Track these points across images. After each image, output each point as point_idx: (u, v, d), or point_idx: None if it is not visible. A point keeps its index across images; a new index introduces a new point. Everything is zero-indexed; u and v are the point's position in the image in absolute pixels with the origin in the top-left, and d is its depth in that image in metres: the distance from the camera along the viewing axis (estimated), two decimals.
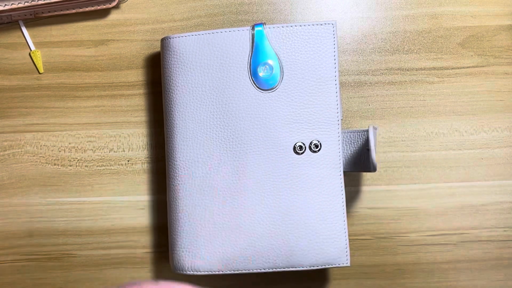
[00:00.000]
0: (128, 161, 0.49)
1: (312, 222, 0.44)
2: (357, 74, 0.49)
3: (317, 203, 0.44)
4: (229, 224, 0.44)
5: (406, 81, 0.49)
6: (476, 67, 0.49)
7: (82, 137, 0.49)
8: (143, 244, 0.49)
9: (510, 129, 0.49)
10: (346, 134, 0.45)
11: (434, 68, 0.49)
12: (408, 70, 0.49)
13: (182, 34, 0.45)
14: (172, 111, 0.45)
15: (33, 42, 0.50)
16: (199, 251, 0.44)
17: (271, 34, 0.44)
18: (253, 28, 0.44)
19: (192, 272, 0.44)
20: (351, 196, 0.49)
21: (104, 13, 0.50)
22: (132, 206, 0.49)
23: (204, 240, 0.44)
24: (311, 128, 0.44)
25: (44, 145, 0.49)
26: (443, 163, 0.49)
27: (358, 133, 0.45)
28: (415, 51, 0.49)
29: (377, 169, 0.48)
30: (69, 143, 0.49)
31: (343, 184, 0.44)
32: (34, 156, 0.49)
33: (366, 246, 0.49)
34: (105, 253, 0.49)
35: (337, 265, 0.44)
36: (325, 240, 0.43)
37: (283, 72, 0.44)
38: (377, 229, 0.49)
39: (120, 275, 0.49)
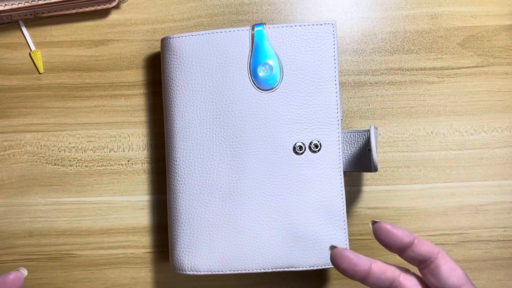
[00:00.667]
0: (128, 161, 0.49)
1: (312, 222, 0.44)
2: (357, 74, 0.49)
3: (317, 203, 0.44)
4: (229, 224, 0.44)
5: (406, 81, 0.49)
6: (476, 67, 0.49)
7: (82, 137, 0.49)
8: (143, 244, 0.49)
9: (510, 129, 0.49)
10: (346, 134, 0.45)
11: (434, 68, 0.49)
12: (408, 70, 0.49)
13: (182, 34, 0.45)
14: (172, 111, 0.45)
15: (33, 42, 0.50)
16: (199, 251, 0.44)
17: (271, 34, 0.44)
18: (253, 28, 0.44)
19: (192, 272, 0.44)
20: (351, 196, 0.49)
21: (104, 13, 0.50)
22: (132, 206, 0.49)
23: (204, 240, 0.44)
24: (311, 128, 0.44)
25: (44, 145, 0.49)
26: (443, 163, 0.49)
27: (359, 133, 0.45)
28: (415, 51, 0.49)
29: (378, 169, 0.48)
30: (69, 143, 0.49)
31: (343, 184, 0.44)
32: (34, 156, 0.49)
33: (366, 246, 0.49)
34: (105, 253, 0.49)
35: None
36: (325, 240, 0.43)
37: (283, 72, 0.44)
38: None
39: (120, 275, 0.49)
